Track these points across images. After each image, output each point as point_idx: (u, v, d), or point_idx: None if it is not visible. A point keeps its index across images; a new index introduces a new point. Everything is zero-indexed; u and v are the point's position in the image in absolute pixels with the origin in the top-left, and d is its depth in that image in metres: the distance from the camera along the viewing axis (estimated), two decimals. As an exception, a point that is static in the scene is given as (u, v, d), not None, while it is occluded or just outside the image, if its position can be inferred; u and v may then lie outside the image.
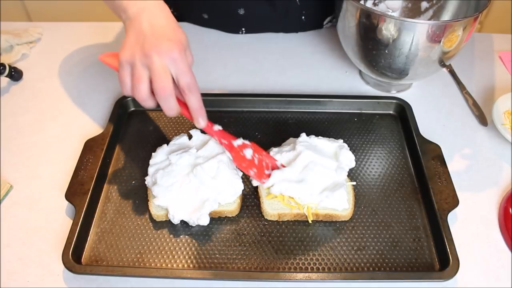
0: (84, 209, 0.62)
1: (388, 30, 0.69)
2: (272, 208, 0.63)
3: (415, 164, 0.71)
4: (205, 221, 0.61)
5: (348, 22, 0.75)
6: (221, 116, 0.79)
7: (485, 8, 0.70)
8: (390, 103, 0.80)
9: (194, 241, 0.62)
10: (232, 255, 0.60)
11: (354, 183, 0.68)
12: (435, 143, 0.72)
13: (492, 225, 0.65)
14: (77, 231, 0.60)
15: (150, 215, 0.64)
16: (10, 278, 0.59)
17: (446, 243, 0.59)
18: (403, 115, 0.78)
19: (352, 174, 0.70)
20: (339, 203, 0.62)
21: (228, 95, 0.81)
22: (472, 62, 0.93)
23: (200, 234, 0.62)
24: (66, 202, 0.64)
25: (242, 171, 0.65)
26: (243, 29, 0.98)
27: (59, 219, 0.65)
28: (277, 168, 0.64)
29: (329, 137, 0.71)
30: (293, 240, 0.62)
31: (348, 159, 0.66)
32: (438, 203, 0.63)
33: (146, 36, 0.55)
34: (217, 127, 0.63)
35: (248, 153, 0.64)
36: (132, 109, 0.81)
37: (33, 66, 0.92)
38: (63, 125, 0.79)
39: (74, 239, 0.59)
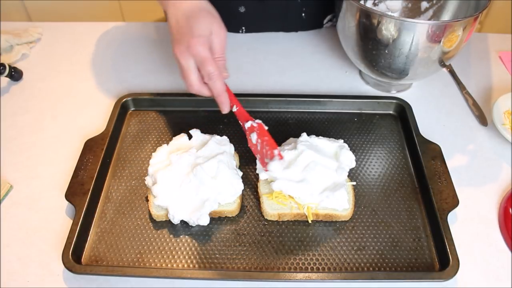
0: (84, 209, 0.62)
1: (388, 30, 0.69)
2: (272, 208, 0.63)
3: (415, 164, 0.71)
4: (205, 221, 0.61)
5: (348, 22, 0.75)
6: (221, 116, 0.79)
7: (485, 8, 0.70)
8: (390, 103, 0.80)
9: (194, 241, 0.62)
10: (232, 255, 0.60)
11: (354, 183, 0.68)
12: (435, 143, 0.72)
13: (492, 225, 0.65)
14: (77, 231, 0.60)
15: (150, 215, 0.64)
16: (10, 278, 0.59)
17: (446, 243, 0.59)
18: (403, 115, 0.78)
19: (352, 174, 0.70)
20: (340, 203, 0.62)
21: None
22: (472, 62, 0.93)
23: (200, 234, 0.62)
24: (66, 202, 0.64)
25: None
26: (243, 28, 0.98)
27: (59, 219, 0.65)
28: (274, 157, 0.64)
29: (329, 137, 0.71)
30: (293, 240, 0.62)
31: (348, 159, 0.66)
32: (438, 203, 0.63)
33: (173, 34, 0.63)
34: (235, 108, 0.66)
35: (253, 137, 0.65)
36: (132, 109, 0.81)
37: (33, 66, 0.92)
38: (63, 125, 0.79)
39: (74, 239, 0.59)
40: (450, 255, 0.58)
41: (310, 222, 0.63)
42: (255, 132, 0.65)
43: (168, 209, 0.62)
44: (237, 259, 0.60)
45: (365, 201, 0.66)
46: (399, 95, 0.84)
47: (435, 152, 0.70)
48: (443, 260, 0.59)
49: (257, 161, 0.66)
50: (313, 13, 0.96)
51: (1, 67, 0.83)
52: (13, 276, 0.59)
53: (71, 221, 0.62)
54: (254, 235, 0.62)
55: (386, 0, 0.88)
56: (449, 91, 0.86)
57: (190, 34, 0.60)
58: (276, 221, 0.64)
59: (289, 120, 0.79)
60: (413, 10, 0.89)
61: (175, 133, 0.76)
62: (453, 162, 0.72)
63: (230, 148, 0.69)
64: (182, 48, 0.60)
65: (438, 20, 0.86)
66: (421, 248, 0.61)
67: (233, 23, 0.97)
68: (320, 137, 0.70)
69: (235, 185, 0.64)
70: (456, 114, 0.82)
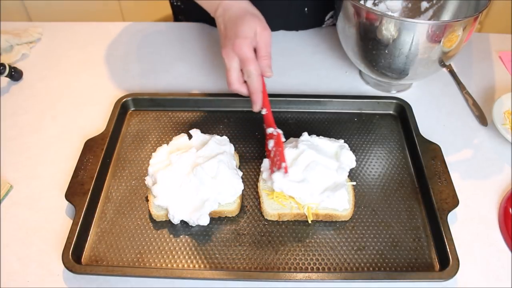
0: (84, 209, 0.62)
1: (388, 30, 0.69)
2: (272, 208, 0.63)
3: (415, 164, 0.71)
4: (205, 221, 0.61)
5: (348, 22, 0.75)
6: (221, 116, 0.79)
7: (485, 8, 0.70)
8: (390, 103, 0.80)
9: (194, 241, 0.62)
10: (232, 255, 0.60)
11: (354, 183, 0.68)
12: (435, 143, 0.72)
13: (492, 225, 0.65)
14: (77, 231, 0.60)
15: (150, 215, 0.64)
16: (10, 278, 0.59)
17: (446, 243, 0.59)
18: (403, 115, 0.78)
19: (352, 174, 0.70)
20: (340, 203, 0.62)
21: (228, 95, 0.81)
22: (472, 62, 0.93)
23: (200, 234, 0.62)
24: (66, 202, 0.64)
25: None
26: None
27: (59, 219, 0.65)
28: (280, 168, 0.64)
29: (329, 137, 0.71)
30: (293, 240, 0.62)
31: (349, 159, 0.67)
32: (438, 203, 0.63)
33: (221, 39, 0.69)
34: (264, 111, 0.69)
35: (270, 144, 0.66)
36: (132, 109, 0.81)
37: (33, 66, 0.92)
38: (63, 125, 0.79)
39: (74, 239, 0.59)
40: (450, 255, 0.58)
41: (310, 222, 0.63)
42: (273, 140, 0.66)
43: (168, 209, 0.62)
44: (237, 259, 0.60)
45: (365, 201, 0.66)
46: (399, 95, 0.84)
47: (435, 152, 0.70)
48: (443, 260, 0.59)
49: (264, 160, 0.67)
50: (316, 9, 0.96)
51: (1, 67, 0.83)
52: (13, 276, 0.59)
53: (71, 221, 0.62)
54: (254, 235, 0.62)
55: (386, 0, 0.88)
56: (449, 91, 0.86)
57: (235, 36, 0.65)
58: (276, 221, 0.64)
59: (289, 120, 0.79)
60: (413, 10, 0.89)
61: (175, 133, 0.76)
62: (453, 162, 0.72)
63: (230, 148, 0.69)
64: (228, 49, 0.65)
65: (438, 20, 0.86)
66: (421, 248, 0.61)
67: None
68: (320, 137, 0.70)
69: (235, 185, 0.64)
70: (456, 114, 0.82)
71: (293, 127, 0.77)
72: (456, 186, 0.66)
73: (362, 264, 0.59)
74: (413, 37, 0.68)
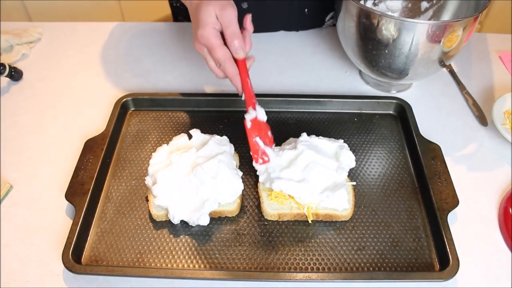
0: (84, 209, 0.62)
1: (388, 30, 0.69)
2: (272, 208, 0.63)
3: (415, 164, 0.71)
4: (205, 221, 0.61)
5: (348, 22, 0.75)
6: (221, 116, 0.79)
7: (485, 8, 0.70)
8: (390, 103, 0.80)
9: (194, 241, 0.62)
10: (232, 255, 0.60)
11: (354, 183, 0.68)
12: (435, 143, 0.72)
13: (492, 225, 0.65)
14: (77, 231, 0.60)
15: (150, 215, 0.64)
16: (10, 278, 0.59)
17: (446, 243, 0.59)
18: (403, 115, 0.78)
19: (352, 174, 0.70)
20: (340, 203, 0.62)
21: (228, 95, 0.81)
22: (472, 62, 0.93)
23: (200, 234, 0.62)
24: (66, 202, 0.64)
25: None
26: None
27: (59, 219, 0.65)
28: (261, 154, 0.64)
29: (329, 137, 0.71)
30: (293, 240, 0.62)
31: (348, 159, 0.67)
32: (438, 203, 0.63)
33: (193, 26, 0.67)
34: (243, 97, 0.67)
35: (247, 124, 0.66)
36: (132, 109, 0.81)
37: (33, 66, 0.92)
38: (63, 125, 0.79)
39: (74, 239, 0.59)
40: (450, 255, 0.58)
41: (310, 222, 0.63)
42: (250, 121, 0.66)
43: (168, 209, 0.62)
44: (237, 259, 0.60)
45: (365, 201, 0.66)
46: (399, 95, 0.84)
47: (435, 152, 0.70)
48: (443, 260, 0.59)
49: (255, 164, 0.66)
50: (316, 9, 0.96)
51: (1, 67, 0.83)
52: (13, 276, 0.59)
53: (71, 221, 0.62)
54: (254, 235, 0.62)
55: (386, 0, 0.88)
56: (449, 91, 0.86)
57: (197, 26, 0.64)
58: (276, 221, 0.64)
59: (289, 120, 0.79)
60: (413, 10, 0.89)
61: (175, 133, 0.76)
62: (453, 162, 0.72)
63: (230, 148, 0.69)
64: (196, 41, 0.65)
65: (438, 20, 0.86)
66: (421, 248, 0.61)
67: None
68: (320, 137, 0.70)
69: (235, 185, 0.64)
70: (456, 114, 0.82)
71: (293, 127, 0.77)
72: (456, 186, 0.66)
73: (362, 264, 0.59)
74: (413, 37, 0.68)
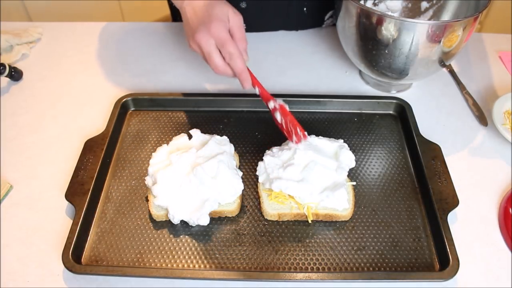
0: (84, 209, 0.62)
1: (388, 30, 0.69)
2: (272, 208, 0.63)
3: (415, 164, 0.71)
4: (205, 221, 0.61)
5: (348, 22, 0.75)
6: (221, 116, 0.79)
7: (485, 8, 0.70)
8: (390, 103, 0.80)
9: (194, 241, 0.62)
10: (232, 255, 0.60)
11: (354, 183, 0.68)
12: (435, 143, 0.72)
13: (492, 225, 0.65)
14: (77, 231, 0.60)
15: (150, 215, 0.64)
16: (10, 278, 0.59)
17: (446, 243, 0.59)
18: (403, 115, 0.78)
19: (352, 174, 0.70)
20: (340, 203, 0.62)
21: (228, 95, 0.81)
22: (472, 62, 0.93)
23: (200, 234, 0.62)
24: (66, 202, 0.64)
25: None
26: (244, 25, 0.98)
27: (59, 219, 0.65)
28: (297, 135, 0.65)
29: (329, 137, 0.71)
30: (293, 240, 0.62)
31: (348, 159, 0.67)
32: (438, 203, 0.63)
33: (190, 27, 0.67)
34: (257, 90, 0.69)
35: (277, 116, 0.67)
36: (132, 109, 0.81)
37: (33, 66, 0.92)
38: (63, 125, 0.79)
39: (74, 239, 0.59)
40: (450, 255, 0.58)
41: (310, 222, 0.63)
42: (278, 112, 0.67)
43: (168, 209, 0.62)
44: (237, 259, 0.60)
45: (365, 201, 0.66)
46: (399, 95, 0.84)
47: (435, 152, 0.70)
48: (443, 260, 0.59)
49: (259, 163, 0.66)
50: (315, 8, 0.96)
51: (1, 67, 0.83)
52: (13, 276, 0.59)
53: (71, 221, 0.62)
54: (254, 235, 0.62)
55: (386, 0, 0.88)
56: (449, 91, 0.86)
57: (209, 20, 0.64)
58: (276, 221, 0.64)
59: (289, 120, 0.79)
60: (413, 10, 0.89)
61: (175, 133, 0.76)
62: (453, 162, 0.72)
63: (230, 148, 0.69)
64: (203, 34, 0.64)
65: (438, 20, 0.86)
66: (421, 248, 0.61)
67: None
68: (320, 137, 0.70)
69: (235, 185, 0.64)
70: (456, 114, 0.82)
71: (293, 127, 0.77)
72: (456, 186, 0.66)
73: (362, 264, 0.59)
74: (413, 37, 0.68)
